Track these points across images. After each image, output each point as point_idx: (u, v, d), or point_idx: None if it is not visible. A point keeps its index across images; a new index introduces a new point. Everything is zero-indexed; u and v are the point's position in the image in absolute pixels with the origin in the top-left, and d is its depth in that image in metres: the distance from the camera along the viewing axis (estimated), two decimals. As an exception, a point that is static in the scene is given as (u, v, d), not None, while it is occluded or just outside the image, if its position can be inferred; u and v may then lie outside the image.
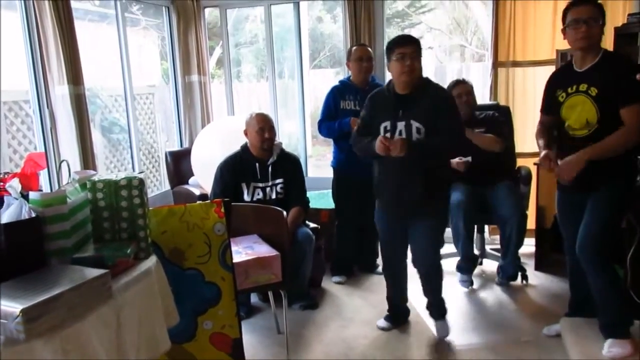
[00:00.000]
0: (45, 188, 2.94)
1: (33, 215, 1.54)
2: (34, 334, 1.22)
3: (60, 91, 3.09)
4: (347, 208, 3.62)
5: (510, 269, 3.35)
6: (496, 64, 3.95)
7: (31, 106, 3.21)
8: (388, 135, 2.58)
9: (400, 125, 2.57)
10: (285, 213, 2.78)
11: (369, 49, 3.63)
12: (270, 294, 3.00)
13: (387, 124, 2.61)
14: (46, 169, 3.06)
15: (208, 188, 3.38)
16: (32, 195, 1.62)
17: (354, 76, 3.58)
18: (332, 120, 3.55)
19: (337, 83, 3.67)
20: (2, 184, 1.91)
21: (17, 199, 1.58)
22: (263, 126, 3.12)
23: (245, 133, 3.22)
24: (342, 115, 3.51)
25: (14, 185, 1.70)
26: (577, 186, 2.43)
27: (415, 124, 2.54)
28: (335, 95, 3.58)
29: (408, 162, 2.52)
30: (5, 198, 1.63)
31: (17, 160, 3.68)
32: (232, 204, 2.18)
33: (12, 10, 3.13)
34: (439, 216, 2.76)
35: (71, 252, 1.59)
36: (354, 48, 3.59)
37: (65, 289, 1.31)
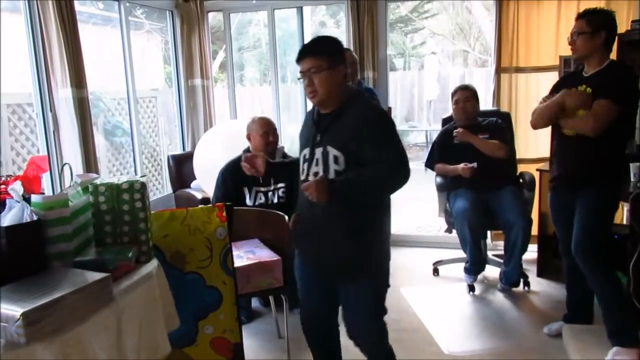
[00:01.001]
0: (48, 191, 2.94)
1: (35, 218, 1.54)
2: (35, 337, 1.21)
3: (64, 94, 3.10)
4: None
5: (513, 275, 3.34)
6: (499, 70, 3.95)
7: (34, 109, 3.22)
8: (305, 166, 1.99)
9: (318, 152, 1.94)
10: (286, 217, 2.77)
11: (352, 53, 3.45)
12: (271, 298, 2.99)
13: (306, 151, 2.00)
14: (48, 172, 3.06)
15: (210, 192, 3.38)
16: (34, 198, 1.61)
17: None
18: None
19: None
20: (4, 186, 1.91)
21: (19, 202, 1.58)
22: (267, 130, 3.13)
23: (248, 137, 3.22)
24: None
25: (16, 188, 1.70)
26: (566, 186, 2.57)
27: (332, 152, 1.89)
28: None
29: (330, 209, 1.90)
30: (7, 201, 1.63)
31: (20, 163, 3.68)
32: (234, 208, 2.18)
33: (16, 13, 3.14)
34: (377, 277, 2.05)
35: (72, 256, 1.59)
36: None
37: (66, 292, 1.31)
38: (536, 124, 2.65)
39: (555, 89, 2.62)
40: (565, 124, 2.50)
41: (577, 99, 2.42)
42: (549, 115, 2.54)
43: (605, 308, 2.46)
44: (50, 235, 1.55)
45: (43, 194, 1.76)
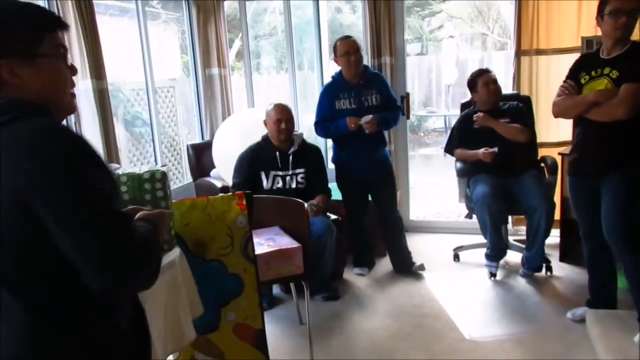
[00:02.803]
0: (71, 181, 2.99)
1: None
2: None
3: (84, 86, 3.13)
4: (351, 202, 3.60)
5: (535, 260, 3.31)
6: (519, 53, 3.87)
7: (55, 101, 3.26)
8: None
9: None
10: (306, 205, 2.78)
11: (355, 40, 3.39)
12: (292, 285, 3.02)
13: None
14: (71, 163, 3.11)
15: (229, 180, 3.41)
16: (59, 188, 1.64)
17: (344, 72, 3.38)
18: (328, 121, 3.44)
19: (329, 79, 3.52)
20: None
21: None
22: (280, 117, 3.14)
23: (265, 123, 3.24)
24: (339, 116, 3.38)
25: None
26: (590, 170, 2.53)
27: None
28: (329, 95, 3.43)
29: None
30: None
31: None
32: (254, 196, 2.20)
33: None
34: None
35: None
36: (338, 42, 3.37)
37: (92, 280, 1.33)
38: (560, 116, 2.64)
39: (574, 72, 2.57)
40: (593, 114, 2.44)
41: (610, 97, 2.37)
42: (578, 112, 2.50)
43: (636, 287, 2.44)
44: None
45: (67, 184, 1.79)
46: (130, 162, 4.72)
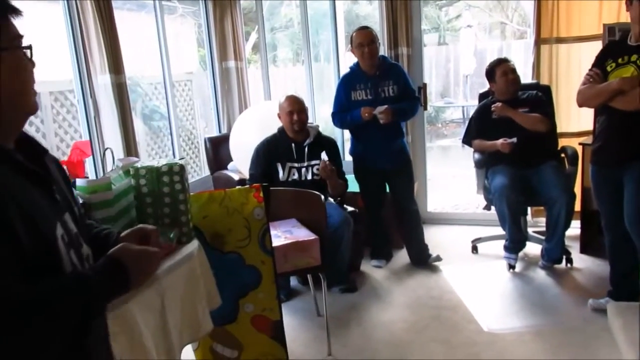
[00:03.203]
0: (91, 175, 3.03)
1: (80, 201, 1.59)
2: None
3: (103, 80, 3.16)
4: (368, 194, 3.59)
5: (555, 252, 3.27)
6: (539, 41, 3.80)
7: (75, 96, 3.30)
8: None
9: None
10: (322, 197, 2.78)
11: (371, 31, 3.37)
12: (309, 277, 3.03)
13: None
14: (91, 157, 3.15)
15: (247, 173, 3.43)
16: (79, 182, 1.67)
17: (360, 63, 3.39)
18: (344, 111, 3.45)
19: (347, 70, 3.52)
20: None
21: (64, 186, 1.63)
22: (292, 109, 3.16)
23: (279, 116, 3.25)
24: (354, 106, 3.38)
25: (62, 172, 1.75)
26: (612, 160, 2.49)
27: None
28: (346, 86, 3.44)
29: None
30: (54, 185, 1.69)
31: (64, 148, 3.80)
32: (271, 188, 2.20)
33: (55, 4, 3.21)
34: None
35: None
36: (354, 33, 3.38)
37: (112, 272, 1.35)
38: (584, 105, 2.59)
39: (600, 59, 2.52)
40: (617, 103, 2.40)
41: (635, 86, 2.32)
42: (602, 101, 2.46)
43: None
44: (95, 217, 1.60)
45: (87, 177, 1.82)
46: (149, 155, 4.77)
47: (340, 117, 3.49)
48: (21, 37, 0.92)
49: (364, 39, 3.32)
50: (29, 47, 0.93)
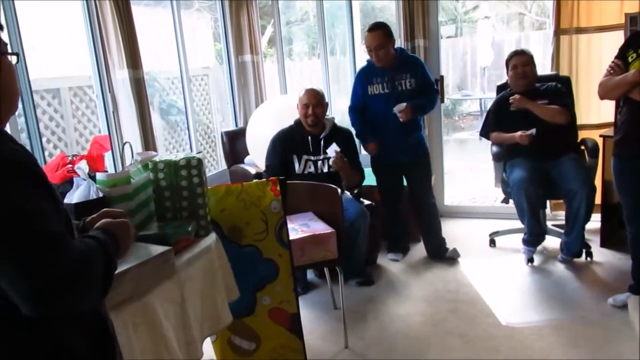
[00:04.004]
0: (110, 169, 3.07)
1: (100, 195, 1.61)
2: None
3: (121, 75, 3.20)
4: (385, 187, 3.59)
5: (575, 246, 3.23)
6: (558, 32, 3.74)
7: (94, 91, 3.34)
8: None
9: None
10: (339, 190, 2.78)
11: (381, 32, 3.26)
12: (326, 270, 3.04)
13: None
14: (110, 151, 3.20)
15: (263, 167, 3.44)
16: (99, 176, 1.70)
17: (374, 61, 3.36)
18: (361, 105, 3.45)
19: (364, 63, 3.50)
20: (71, 165, 2.01)
21: (85, 180, 1.66)
22: (308, 102, 3.16)
23: (297, 107, 3.26)
24: (371, 100, 3.39)
25: (82, 166, 1.79)
26: (634, 152, 2.46)
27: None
28: (362, 80, 3.44)
29: None
30: (74, 179, 1.72)
31: (84, 143, 3.85)
32: (287, 181, 2.21)
33: (73, 0, 3.25)
34: None
35: (136, 230, 1.66)
36: (366, 34, 3.33)
37: (132, 264, 1.38)
38: (605, 98, 2.56)
39: (623, 51, 2.48)
40: (636, 94, 2.37)
41: None
42: (620, 93, 2.43)
43: None
44: (115, 211, 1.62)
45: (106, 171, 1.84)
46: (167, 149, 4.81)
47: (353, 118, 3.51)
48: (6, 44, 0.98)
49: (371, 43, 3.27)
50: (16, 54, 0.99)
